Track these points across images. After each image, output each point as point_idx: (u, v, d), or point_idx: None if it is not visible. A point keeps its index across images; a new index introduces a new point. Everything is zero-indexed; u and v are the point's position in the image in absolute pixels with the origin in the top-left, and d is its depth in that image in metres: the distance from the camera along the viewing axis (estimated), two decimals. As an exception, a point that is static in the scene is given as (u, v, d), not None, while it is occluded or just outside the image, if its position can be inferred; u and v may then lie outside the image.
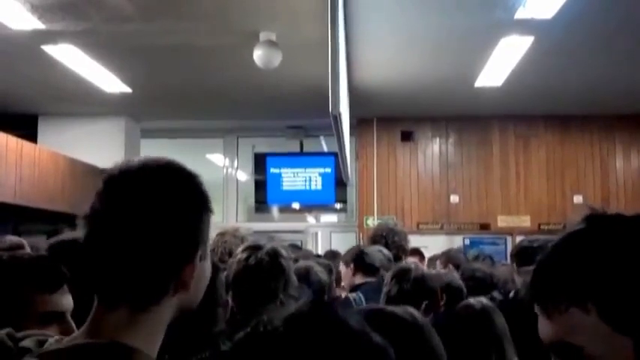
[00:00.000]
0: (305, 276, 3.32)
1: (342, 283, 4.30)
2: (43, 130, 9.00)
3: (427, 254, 6.55)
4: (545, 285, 0.96)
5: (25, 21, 5.52)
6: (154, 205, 1.10)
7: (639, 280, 0.88)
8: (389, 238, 4.30)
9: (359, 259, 3.89)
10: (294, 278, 2.29)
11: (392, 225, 4.66)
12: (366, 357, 0.73)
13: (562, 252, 0.96)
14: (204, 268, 1.18)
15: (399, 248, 4.31)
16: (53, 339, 1.13)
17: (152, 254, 1.08)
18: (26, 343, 1.15)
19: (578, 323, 0.92)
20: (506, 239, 9.31)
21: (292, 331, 0.71)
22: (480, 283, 3.90)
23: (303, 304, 0.77)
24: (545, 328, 0.96)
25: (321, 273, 3.54)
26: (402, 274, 2.93)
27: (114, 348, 1.04)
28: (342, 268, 4.13)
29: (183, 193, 1.14)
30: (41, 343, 1.13)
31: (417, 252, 6.24)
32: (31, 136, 8.41)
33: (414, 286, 2.86)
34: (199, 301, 1.20)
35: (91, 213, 1.13)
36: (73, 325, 1.51)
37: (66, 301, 1.68)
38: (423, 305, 2.78)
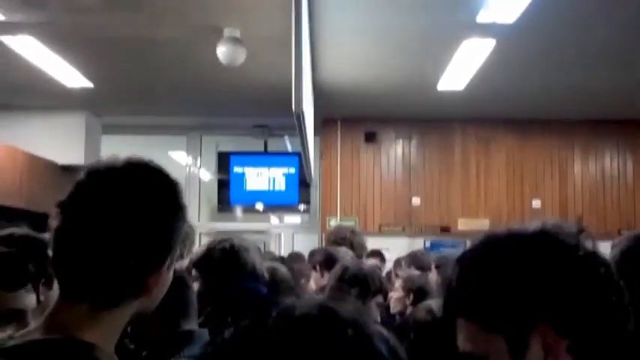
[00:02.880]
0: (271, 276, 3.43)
1: (311, 284, 4.39)
2: (0, 124, 8.78)
3: (389, 256, 6.61)
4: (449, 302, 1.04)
5: (-17, 11, 5.39)
6: (136, 207, 1.09)
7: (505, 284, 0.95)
8: (354, 239, 4.51)
9: (328, 262, 4.19)
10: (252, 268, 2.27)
11: (352, 227, 5.10)
12: None
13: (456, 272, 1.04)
14: (168, 277, 1.17)
15: (362, 248, 4.56)
16: (5, 334, 1.10)
17: (124, 256, 1.07)
18: None
19: (467, 332, 0.98)
20: (465, 242, 9.37)
21: (297, 333, 0.69)
22: None
23: (309, 306, 0.74)
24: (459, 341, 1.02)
25: (287, 274, 3.64)
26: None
27: (72, 344, 1.03)
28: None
29: (165, 201, 1.14)
30: None
31: (377, 254, 6.28)
32: (-12, 129, 8.22)
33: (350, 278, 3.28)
34: (155, 307, 1.19)
35: (67, 203, 1.10)
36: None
37: (28, 300, 1.64)
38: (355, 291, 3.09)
